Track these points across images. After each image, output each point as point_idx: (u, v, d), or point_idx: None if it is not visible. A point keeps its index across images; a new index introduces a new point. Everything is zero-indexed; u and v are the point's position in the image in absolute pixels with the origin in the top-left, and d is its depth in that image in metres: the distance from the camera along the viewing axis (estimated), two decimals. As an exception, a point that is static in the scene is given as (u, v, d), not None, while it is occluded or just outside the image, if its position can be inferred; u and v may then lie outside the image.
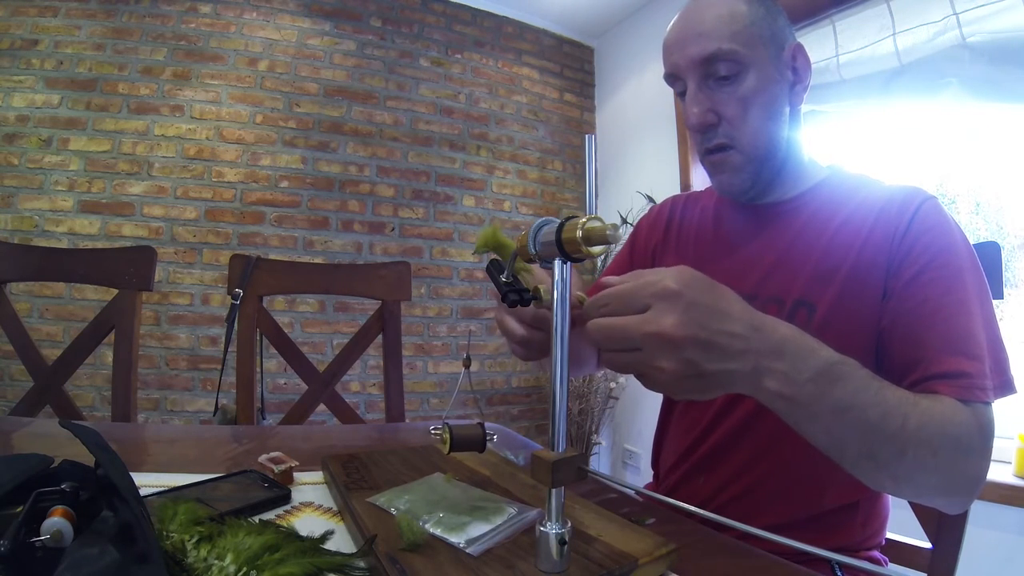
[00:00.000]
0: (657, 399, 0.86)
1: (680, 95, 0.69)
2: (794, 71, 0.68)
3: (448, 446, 0.47)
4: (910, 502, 0.75)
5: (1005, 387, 0.55)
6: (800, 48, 0.68)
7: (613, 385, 2.57)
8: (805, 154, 0.72)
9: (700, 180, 2.34)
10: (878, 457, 0.48)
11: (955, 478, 0.51)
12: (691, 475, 0.74)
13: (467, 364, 0.62)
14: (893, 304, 0.60)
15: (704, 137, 0.67)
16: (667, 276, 0.42)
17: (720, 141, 0.66)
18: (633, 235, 0.91)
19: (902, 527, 0.75)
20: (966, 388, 0.53)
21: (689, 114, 0.66)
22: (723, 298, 0.43)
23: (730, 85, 0.64)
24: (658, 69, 0.73)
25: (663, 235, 0.85)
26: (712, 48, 0.63)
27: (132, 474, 0.37)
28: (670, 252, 0.83)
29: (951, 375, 0.54)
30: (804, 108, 0.72)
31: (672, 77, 0.69)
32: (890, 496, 0.71)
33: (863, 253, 0.62)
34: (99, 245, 2.02)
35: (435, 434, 0.48)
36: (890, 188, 0.66)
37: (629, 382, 2.62)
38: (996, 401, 0.55)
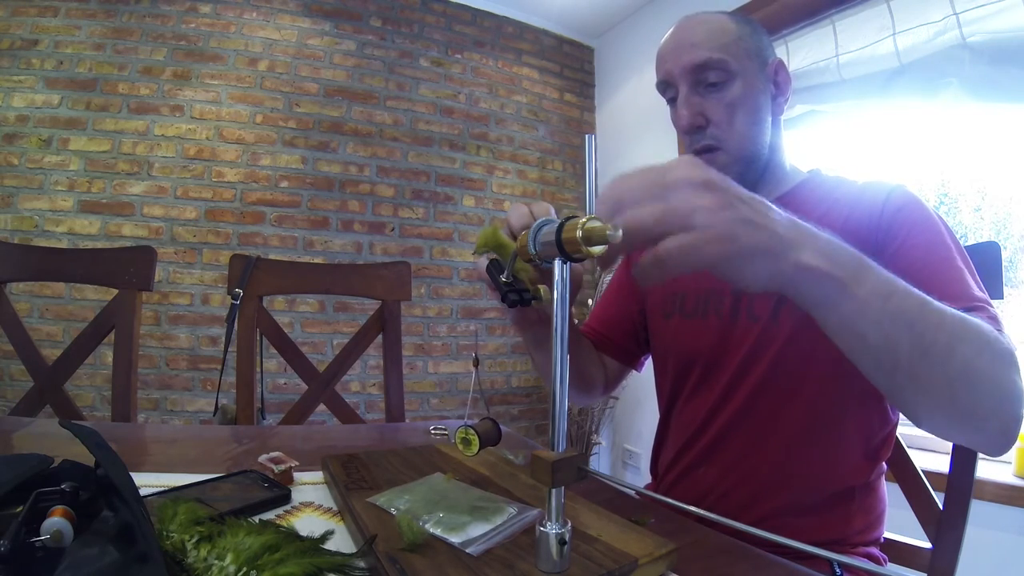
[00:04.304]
0: (656, 400, 0.86)
1: (670, 101, 0.75)
2: (776, 85, 0.73)
3: (476, 446, 0.47)
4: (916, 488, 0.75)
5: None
6: (782, 64, 0.74)
7: (613, 385, 2.57)
8: (787, 161, 0.78)
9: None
10: (931, 352, 0.44)
11: (1002, 385, 0.47)
12: (691, 468, 0.76)
13: (476, 364, 0.63)
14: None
15: (692, 139, 0.72)
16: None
17: (708, 143, 0.71)
18: (627, 257, 0.92)
19: (902, 527, 0.76)
20: (982, 317, 0.52)
21: (680, 116, 0.71)
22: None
23: (718, 91, 0.69)
24: (658, 69, 0.75)
25: None
26: (703, 56, 0.68)
27: (132, 474, 0.37)
28: None
29: (962, 311, 0.53)
30: (804, 108, 0.74)
31: (664, 84, 0.74)
32: (885, 490, 0.72)
33: (843, 239, 0.65)
34: (99, 245, 2.02)
35: (436, 434, 0.48)
36: (864, 182, 0.72)
37: (629, 382, 2.61)
38: None
